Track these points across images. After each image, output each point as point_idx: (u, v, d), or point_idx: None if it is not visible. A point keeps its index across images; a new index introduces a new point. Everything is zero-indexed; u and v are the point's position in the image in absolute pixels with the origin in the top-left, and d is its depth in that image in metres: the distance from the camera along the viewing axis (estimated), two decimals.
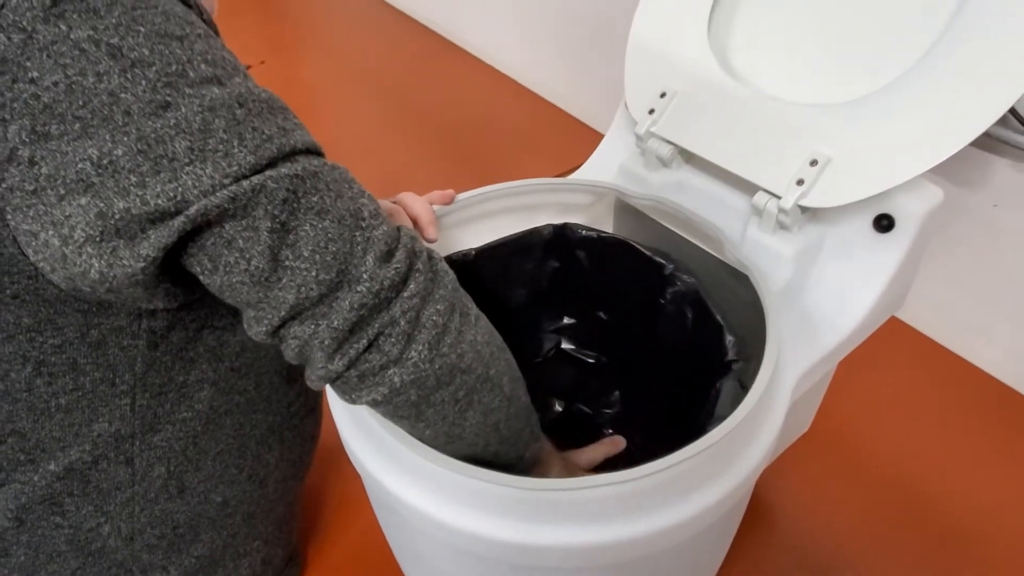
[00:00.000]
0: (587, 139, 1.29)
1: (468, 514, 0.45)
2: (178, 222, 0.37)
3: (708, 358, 0.55)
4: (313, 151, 0.42)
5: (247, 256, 0.39)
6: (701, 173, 0.64)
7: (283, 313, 0.40)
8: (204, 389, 0.52)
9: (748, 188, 0.59)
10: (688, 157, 0.65)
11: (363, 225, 0.41)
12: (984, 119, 0.50)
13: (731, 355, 0.53)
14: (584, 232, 0.66)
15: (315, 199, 0.40)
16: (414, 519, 0.47)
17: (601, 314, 0.71)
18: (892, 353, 0.91)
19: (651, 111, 0.63)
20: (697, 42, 0.63)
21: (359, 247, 0.40)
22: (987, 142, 0.78)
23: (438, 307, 0.42)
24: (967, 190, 0.83)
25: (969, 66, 0.50)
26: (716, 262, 0.62)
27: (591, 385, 0.74)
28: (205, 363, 0.51)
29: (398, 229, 0.44)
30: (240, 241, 0.38)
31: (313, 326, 0.40)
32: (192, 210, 0.37)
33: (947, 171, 0.83)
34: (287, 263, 0.39)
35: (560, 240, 0.67)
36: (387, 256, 0.41)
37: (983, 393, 0.88)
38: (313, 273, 0.39)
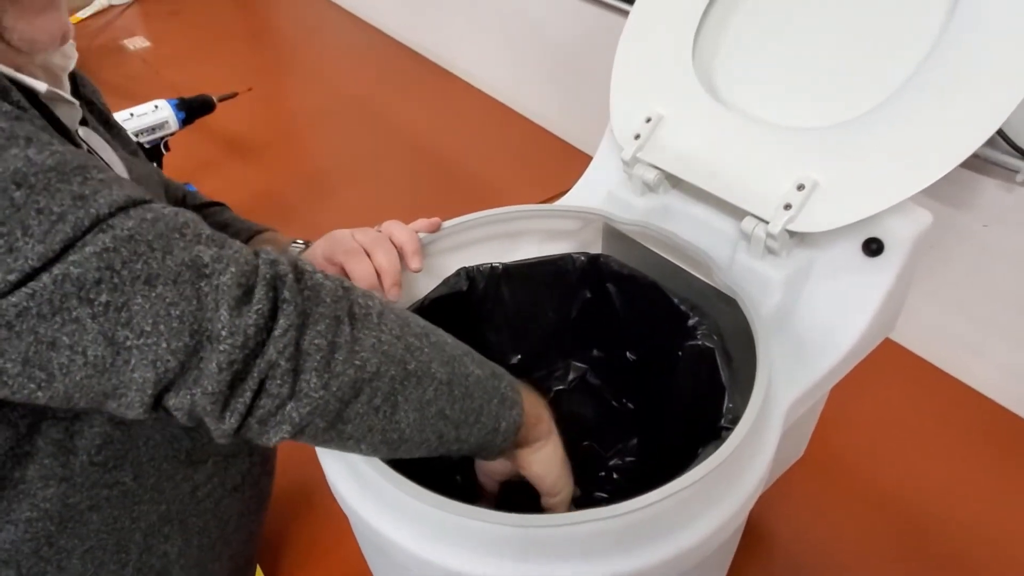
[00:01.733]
0: (578, 162, 1.29)
1: (453, 551, 0.44)
2: None
3: (708, 421, 0.53)
4: (126, 206, 0.36)
5: (80, 350, 0.35)
6: (688, 198, 0.63)
7: (149, 391, 0.36)
8: (51, 486, 0.46)
9: (735, 213, 0.59)
10: (675, 182, 0.64)
11: (206, 274, 0.37)
12: (970, 142, 0.49)
13: (724, 422, 0.50)
14: (616, 267, 0.64)
15: (138, 266, 0.35)
16: (400, 556, 0.46)
17: (629, 354, 0.69)
18: (885, 374, 0.91)
19: (636, 136, 0.63)
20: (682, 67, 0.62)
21: (208, 300, 0.36)
22: (976, 163, 0.78)
23: (319, 328, 0.39)
24: (957, 211, 0.83)
25: (955, 89, 0.50)
26: (705, 286, 0.61)
27: (610, 428, 0.72)
28: (48, 458, 0.45)
29: (255, 255, 0.39)
30: (65, 339, 0.34)
31: (189, 396, 0.37)
32: None
33: (937, 192, 0.83)
34: (129, 343, 0.35)
35: (594, 270, 0.66)
36: (244, 299, 0.37)
37: (977, 413, 0.87)
38: (164, 345, 0.35)
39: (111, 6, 1.96)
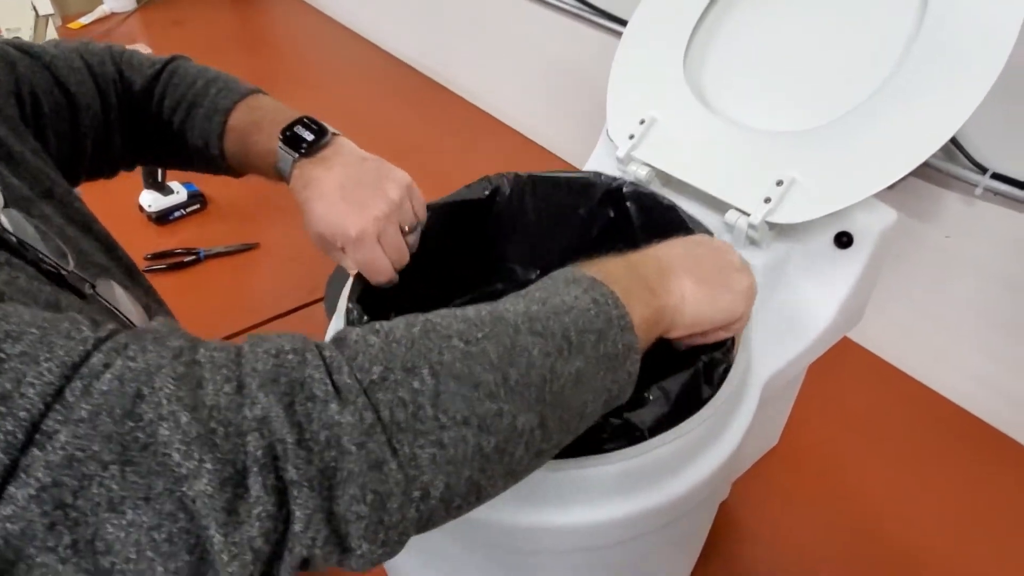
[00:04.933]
0: None
1: None
2: None
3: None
4: (60, 388, 0.27)
5: None
6: (676, 194, 0.69)
7: None
8: None
9: (720, 207, 0.64)
10: (665, 180, 0.70)
11: (181, 476, 0.27)
12: (928, 147, 0.55)
13: (719, 352, 0.49)
14: (639, 189, 0.63)
15: (94, 491, 0.26)
16: None
17: None
18: (853, 378, 0.96)
19: (631, 136, 0.68)
20: (674, 74, 0.68)
21: (196, 508, 0.27)
22: (938, 177, 0.85)
23: (351, 493, 0.29)
24: (921, 222, 0.89)
25: (916, 100, 0.56)
26: None
27: None
28: None
29: (238, 399, 0.29)
30: None
31: None
32: None
33: (902, 204, 0.89)
34: (119, 568, 0.27)
35: (618, 190, 0.64)
36: (236, 500, 0.28)
37: (940, 416, 0.92)
38: (160, 570, 0.27)
39: (112, 14, 2.00)
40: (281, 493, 0.28)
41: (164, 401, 0.28)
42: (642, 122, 0.68)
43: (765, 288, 0.63)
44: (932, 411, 0.93)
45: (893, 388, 0.96)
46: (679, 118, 0.67)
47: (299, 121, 0.59)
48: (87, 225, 0.53)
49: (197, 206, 1.21)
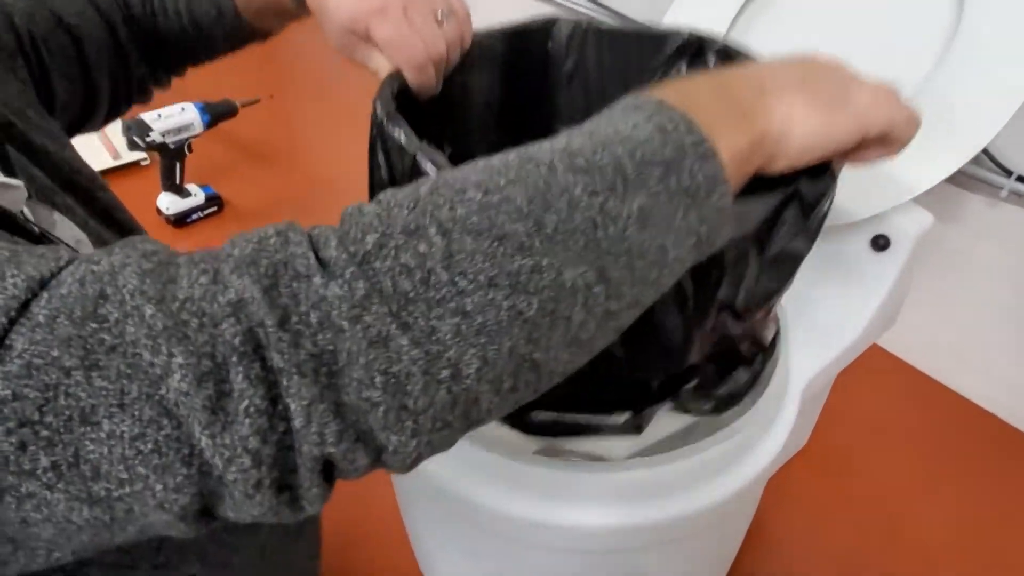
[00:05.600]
0: None
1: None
2: None
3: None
4: (15, 307, 0.24)
5: (61, 520, 0.25)
6: None
7: (183, 527, 0.26)
8: None
9: None
10: None
11: (156, 377, 0.24)
12: (965, 152, 0.56)
13: None
14: (728, 45, 0.53)
15: (62, 403, 0.24)
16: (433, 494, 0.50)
17: None
18: (877, 380, 0.96)
19: None
20: None
21: (180, 412, 0.24)
22: (963, 180, 0.85)
23: (355, 376, 0.25)
24: (945, 225, 0.90)
25: (954, 103, 0.57)
26: None
27: None
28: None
29: (211, 285, 0.25)
30: (35, 515, 0.25)
31: (241, 514, 0.26)
32: None
33: (927, 206, 0.90)
34: (116, 494, 0.25)
35: (697, 44, 0.55)
36: (218, 400, 0.24)
37: (965, 419, 0.92)
38: (159, 487, 0.25)
39: None
40: (270, 385, 0.25)
41: (127, 297, 0.24)
42: None
43: (801, 291, 0.63)
44: (957, 414, 0.93)
45: (917, 391, 0.96)
46: None
47: None
48: (108, 213, 0.51)
49: (215, 208, 1.21)
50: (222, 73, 1.78)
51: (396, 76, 0.48)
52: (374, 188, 0.44)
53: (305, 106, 1.60)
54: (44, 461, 0.24)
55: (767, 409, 0.51)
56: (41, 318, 0.24)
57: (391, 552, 0.73)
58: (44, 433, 0.24)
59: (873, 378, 0.95)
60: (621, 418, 0.45)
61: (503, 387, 0.27)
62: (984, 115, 0.55)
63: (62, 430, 0.24)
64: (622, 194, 0.28)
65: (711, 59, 0.53)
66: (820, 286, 0.63)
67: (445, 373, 0.26)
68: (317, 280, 0.25)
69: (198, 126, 1.19)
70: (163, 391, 0.24)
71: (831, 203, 0.41)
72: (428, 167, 0.38)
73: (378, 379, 0.25)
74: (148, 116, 1.15)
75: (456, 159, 0.34)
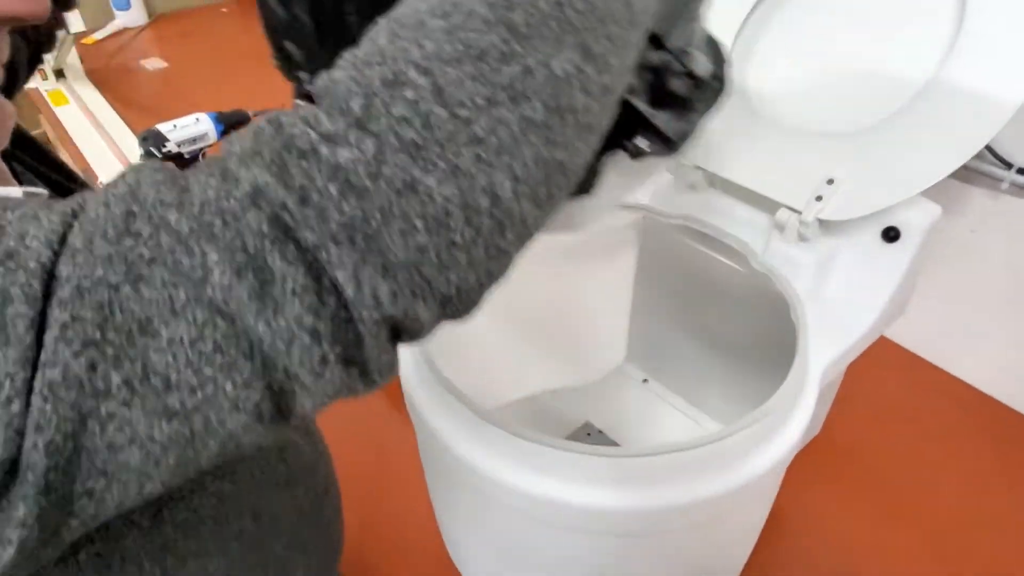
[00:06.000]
0: None
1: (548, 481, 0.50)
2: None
3: None
4: (55, 240, 0.25)
5: (145, 441, 0.25)
6: (723, 194, 0.72)
7: (260, 429, 0.27)
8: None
9: (768, 206, 0.67)
10: (711, 181, 0.73)
11: (198, 273, 0.25)
12: (972, 146, 0.58)
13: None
14: None
15: (119, 319, 0.24)
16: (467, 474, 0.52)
17: None
18: (882, 369, 0.99)
19: None
20: None
21: (231, 303, 0.25)
22: (964, 173, 0.88)
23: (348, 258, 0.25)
24: (947, 217, 0.92)
25: (959, 99, 0.59)
26: (741, 278, 0.69)
27: None
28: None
29: (229, 159, 0.26)
30: (120, 439, 0.25)
31: (307, 405, 0.27)
32: None
33: (930, 199, 0.93)
34: (190, 405, 0.25)
35: None
36: (253, 268, 0.25)
37: (970, 405, 0.95)
38: (229, 387, 0.25)
39: (125, 29, 2.02)
40: (309, 264, 0.25)
41: (152, 210, 0.25)
42: None
43: (817, 282, 0.66)
44: (960, 401, 0.95)
45: (921, 379, 0.99)
46: (727, 123, 0.70)
47: None
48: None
49: None
50: (235, 83, 1.80)
51: None
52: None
53: None
54: (116, 378, 0.24)
55: (788, 395, 0.53)
56: (79, 243, 0.25)
57: (420, 535, 0.75)
58: (109, 351, 0.24)
59: (876, 365, 0.98)
60: None
61: (540, 197, 0.28)
62: (989, 110, 0.58)
63: (125, 344, 0.24)
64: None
65: None
66: (834, 277, 0.65)
67: (484, 202, 0.26)
68: (324, 151, 0.25)
69: (212, 136, 1.21)
70: (209, 291, 0.24)
71: None
72: None
73: (419, 223, 0.25)
74: (164, 127, 1.17)
75: None
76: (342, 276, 0.25)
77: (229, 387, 0.25)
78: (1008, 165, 0.83)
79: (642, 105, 0.41)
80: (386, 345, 0.27)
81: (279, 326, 0.25)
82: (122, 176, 0.27)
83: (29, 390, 0.24)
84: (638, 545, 0.55)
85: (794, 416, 0.55)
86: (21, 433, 0.24)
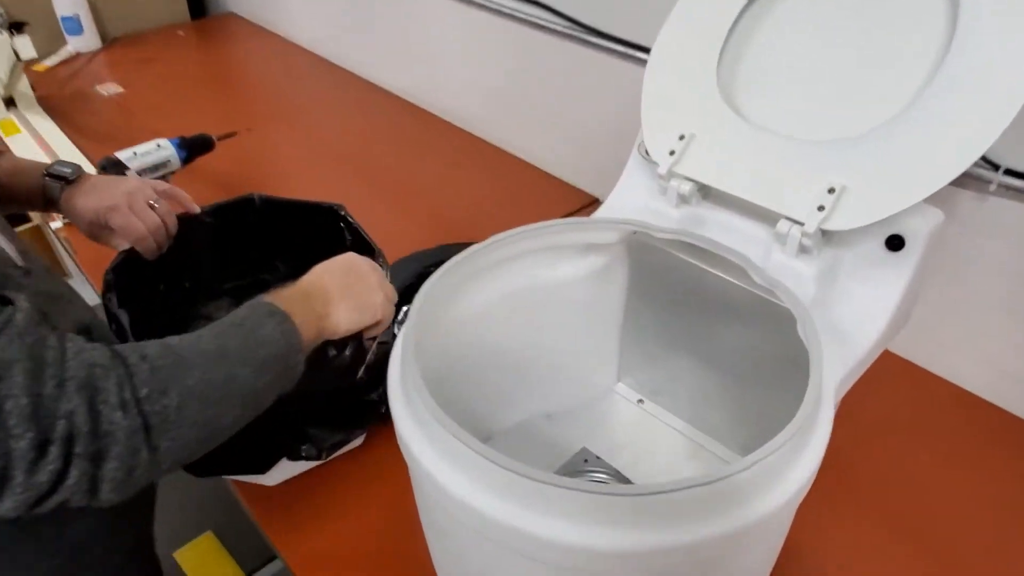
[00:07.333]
0: (556, 188, 1.34)
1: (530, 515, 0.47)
2: None
3: None
4: None
5: None
6: (718, 207, 0.69)
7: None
8: None
9: (766, 218, 0.65)
10: (705, 193, 0.70)
11: (13, 435, 0.44)
12: (978, 146, 0.57)
13: None
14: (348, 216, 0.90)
15: None
16: (457, 511, 0.48)
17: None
18: (870, 373, 0.97)
19: (671, 152, 0.69)
20: (707, 90, 0.69)
21: (12, 458, 0.44)
22: None
23: (111, 466, 0.47)
24: (927, 204, 0.91)
25: (961, 99, 0.57)
26: (740, 292, 0.66)
27: None
28: None
29: (57, 396, 0.46)
30: None
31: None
32: None
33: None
34: None
35: (332, 213, 0.90)
36: (39, 457, 0.45)
37: (963, 408, 0.94)
38: None
39: (78, 54, 1.95)
40: (68, 460, 0.45)
41: (15, 387, 0.44)
42: (682, 137, 0.69)
43: (820, 295, 0.63)
44: (954, 405, 0.94)
45: (913, 384, 0.97)
46: (718, 132, 0.67)
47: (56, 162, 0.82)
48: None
49: None
50: (195, 107, 1.74)
51: (127, 251, 0.81)
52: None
53: (283, 138, 1.58)
54: None
55: (806, 419, 0.50)
56: None
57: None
58: None
59: (870, 374, 0.96)
60: None
61: (181, 460, 0.53)
62: (993, 107, 0.56)
63: None
64: (262, 376, 0.56)
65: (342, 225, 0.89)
66: (837, 291, 0.63)
67: (155, 464, 0.50)
68: (118, 415, 0.47)
69: (175, 162, 1.16)
70: (11, 443, 0.44)
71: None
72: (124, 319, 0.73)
73: (124, 468, 0.48)
74: (123, 154, 1.12)
75: (194, 291, 0.93)
76: (74, 473, 0.46)
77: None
78: (995, 167, 0.82)
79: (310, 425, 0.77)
80: (56, 505, 0.48)
81: (30, 480, 0.45)
82: (10, 339, 0.46)
83: None
84: None
85: (812, 441, 0.52)
86: None
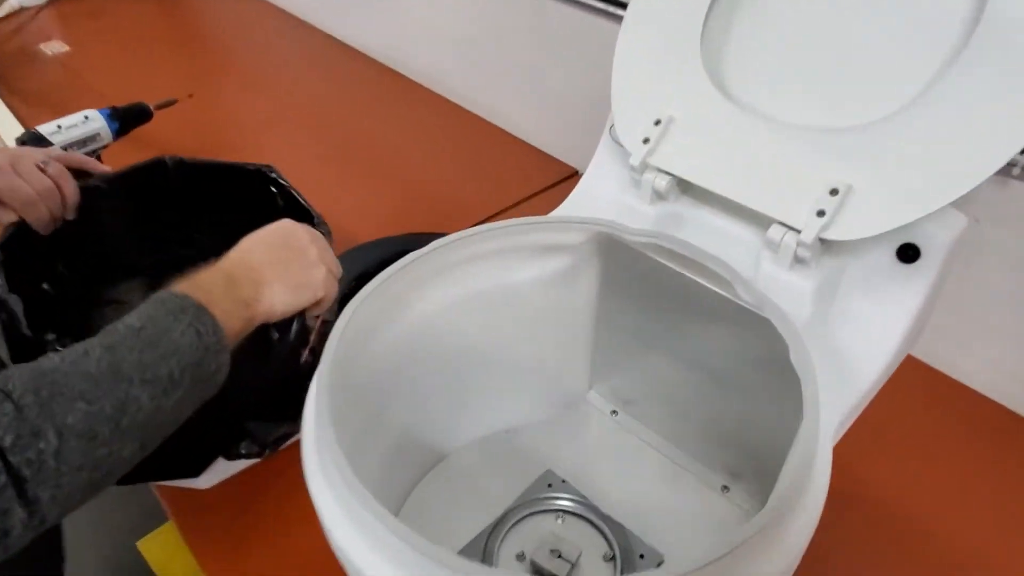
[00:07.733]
0: (538, 160, 1.24)
1: None
2: None
3: None
4: None
5: None
6: (701, 206, 0.59)
7: None
8: None
9: (756, 220, 0.55)
10: (685, 188, 0.60)
11: None
12: (1018, 136, 0.46)
13: None
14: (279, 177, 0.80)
15: None
16: None
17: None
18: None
19: (645, 140, 0.58)
20: (690, 64, 0.58)
21: None
22: None
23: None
24: (949, 206, 0.81)
25: (991, 82, 0.47)
26: (726, 303, 0.57)
27: None
28: None
29: None
30: None
31: None
32: None
33: None
34: None
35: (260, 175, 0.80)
36: None
37: (966, 406, 0.86)
38: None
39: (22, 8, 1.81)
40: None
41: None
42: (658, 123, 0.58)
43: (816, 315, 0.54)
44: (959, 402, 0.87)
45: (915, 379, 0.89)
46: (702, 116, 0.57)
47: None
48: None
49: None
50: (146, 70, 1.61)
51: (17, 224, 0.69)
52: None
53: (229, 104, 1.45)
54: None
55: (796, 482, 0.41)
56: None
57: None
58: None
59: None
60: None
61: (66, 511, 0.42)
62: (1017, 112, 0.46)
63: None
64: (170, 393, 0.46)
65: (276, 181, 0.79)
66: (837, 310, 0.53)
67: (36, 522, 0.40)
68: None
69: (106, 135, 1.05)
70: None
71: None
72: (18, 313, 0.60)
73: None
74: (46, 128, 1.00)
75: (100, 270, 0.81)
76: None
77: None
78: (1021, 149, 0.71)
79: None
80: None
81: None
82: None
83: None
84: None
85: (804, 505, 0.43)
86: None
